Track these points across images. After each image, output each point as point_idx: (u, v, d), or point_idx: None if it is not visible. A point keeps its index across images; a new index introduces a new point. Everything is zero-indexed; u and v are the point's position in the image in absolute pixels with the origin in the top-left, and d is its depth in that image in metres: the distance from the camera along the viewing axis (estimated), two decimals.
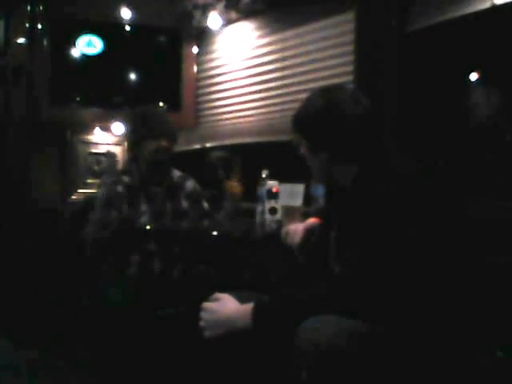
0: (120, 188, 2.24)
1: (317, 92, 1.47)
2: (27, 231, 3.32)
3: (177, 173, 2.43)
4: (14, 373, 2.28)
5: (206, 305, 1.42)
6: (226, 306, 1.39)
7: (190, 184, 2.42)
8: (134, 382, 2.00)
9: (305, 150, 1.48)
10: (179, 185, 2.39)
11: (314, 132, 1.43)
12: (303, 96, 1.53)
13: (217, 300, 1.43)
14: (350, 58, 2.76)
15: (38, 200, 3.62)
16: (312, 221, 1.86)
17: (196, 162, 3.60)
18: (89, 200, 2.45)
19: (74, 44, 3.75)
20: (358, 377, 1.20)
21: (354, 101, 1.40)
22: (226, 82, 3.72)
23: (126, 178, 2.28)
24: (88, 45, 3.78)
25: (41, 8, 3.62)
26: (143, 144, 2.24)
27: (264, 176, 2.28)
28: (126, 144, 3.93)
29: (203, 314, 1.41)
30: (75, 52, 3.77)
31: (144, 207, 2.25)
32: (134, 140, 2.33)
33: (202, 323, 1.40)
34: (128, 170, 2.32)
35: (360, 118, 1.38)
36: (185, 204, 2.36)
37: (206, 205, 2.44)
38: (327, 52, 2.98)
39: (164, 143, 2.24)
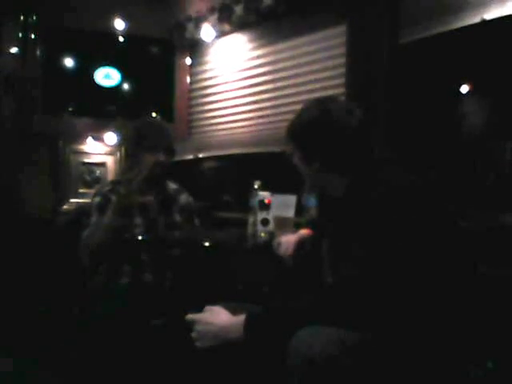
0: (114, 198, 2.21)
1: (311, 103, 1.48)
2: (19, 241, 3.30)
3: (172, 185, 2.41)
4: None
5: (199, 316, 1.41)
6: (218, 317, 1.39)
7: (184, 198, 2.41)
8: None
9: (298, 159, 1.49)
10: (173, 198, 2.38)
11: (308, 142, 1.44)
12: (295, 108, 1.54)
13: (209, 311, 1.42)
14: (342, 70, 2.79)
15: (30, 210, 3.60)
16: (304, 232, 1.87)
17: (189, 172, 3.60)
18: (82, 210, 2.43)
19: (67, 54, 3.77)
20: None
21: (348, 112, 1.41)
22: (218, 93, 3.74)
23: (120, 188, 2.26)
24: (106, 77, 3.81)
25: (34, 18, 3.63)
26: (140, 157, 2.21)
27: (256, 187, 2.28)
28: (118, 154, 3.95)
29: (195, 326, 1.40)
30: (67, 62, 3.78)
31: (138, 220, 2.23)
32: (131, 152, 2.31)
33: (194, 334, 1.40)
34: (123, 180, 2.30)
35: (353, 129, 1.40)
36: (177, 217, 2.35)
37: (197, 221, 2.43)
38: (319, 64, 3.01)
39: (161, 158, 2.21)
